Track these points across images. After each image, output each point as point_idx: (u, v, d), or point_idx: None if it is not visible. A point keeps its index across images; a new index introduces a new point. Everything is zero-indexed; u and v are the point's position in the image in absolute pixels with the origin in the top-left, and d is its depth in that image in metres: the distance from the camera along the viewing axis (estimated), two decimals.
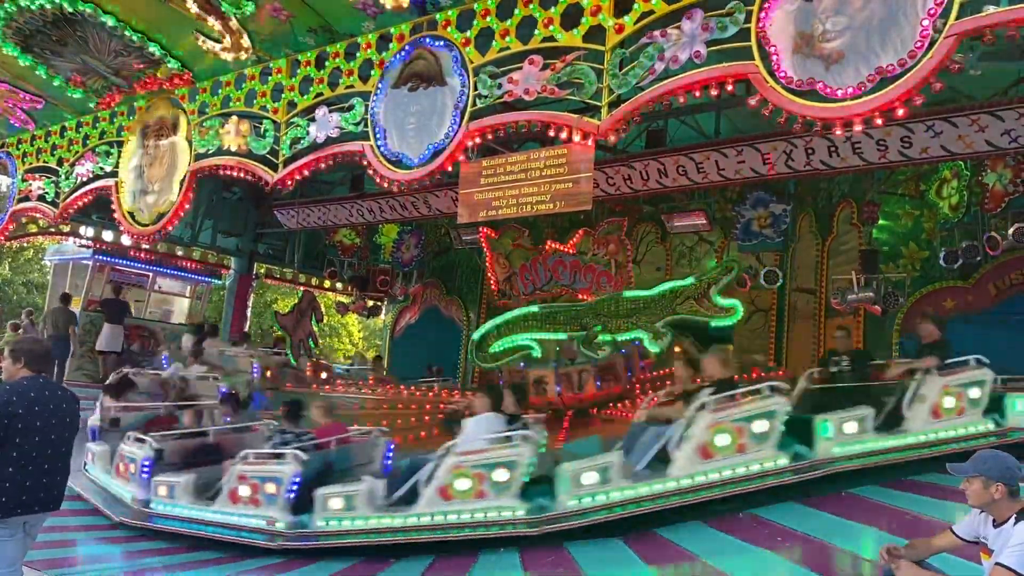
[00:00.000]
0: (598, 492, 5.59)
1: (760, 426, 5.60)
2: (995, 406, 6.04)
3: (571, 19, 6.00)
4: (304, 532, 6.15)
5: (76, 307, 13.19)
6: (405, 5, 6.77)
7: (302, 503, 6.27)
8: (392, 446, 7.31)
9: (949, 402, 5.99)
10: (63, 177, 10.42)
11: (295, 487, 6.25)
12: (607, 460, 5.72)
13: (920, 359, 6.54)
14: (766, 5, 5.06)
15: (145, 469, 7.33)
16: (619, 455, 5.81)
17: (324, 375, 13.70)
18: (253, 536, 6.29)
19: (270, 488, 6.33)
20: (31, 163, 11.08)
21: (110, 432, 8.72)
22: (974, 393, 6.00)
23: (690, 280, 9.96)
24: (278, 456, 6.44)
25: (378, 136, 7.11)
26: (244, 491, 6.47)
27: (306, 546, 6.13)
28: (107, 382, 9.98)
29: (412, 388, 12.33)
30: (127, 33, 8.24)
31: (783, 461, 5.56)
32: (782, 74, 4.95)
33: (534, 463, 5.77)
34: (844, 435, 5.79)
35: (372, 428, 7.50)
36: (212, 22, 7.63)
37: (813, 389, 7.07)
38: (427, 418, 10.42)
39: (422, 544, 5.79)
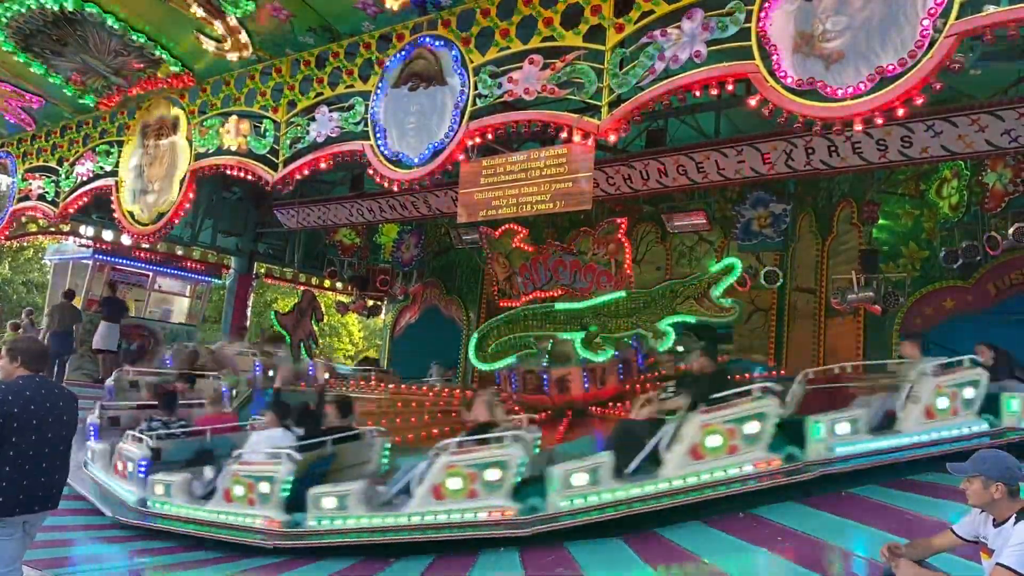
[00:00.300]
0: (336, 517, 5.90)
1: (492, 474, 5.57)
2: (793, 435, 5.60)
3: (571, 19, 6.01)
4: (142, 511, 6.84)
5: (76, 305, 13.18)
6: (404, 5, 6.78)
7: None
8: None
9: (714, 440, 5.52)
10: (63, 177, 10.43)
11: (143, 469, 7.02)
12: (348, 488, 5.97)
13: (673, 398, 6.17)
14: (766, 5, 5.07)
15: (91, 433, 8.40)
16: (360, 484, 5.98)
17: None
18: (116, 508, 7.09)
19: (129, 467, 7.22)
20: (31, 163, 11.09)
21: (128, 394, 9.56)
22: (751, 428, 5.51)
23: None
24: (139, 440, 7.22)
25: (378, 136, 7.11)
26: (120, 466, 7.43)
27: (136, 523, 6.81)
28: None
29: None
30: (127, 33, 8.24)
31: (510, 513, 5.48)
32: (782, 74, 4.95)
33: (289, 480, 6.08)
34: (572, 488, 5.54)
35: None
36: (212, 22, 7.63)
37: (630, 422, 6.48)
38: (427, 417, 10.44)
39: (213, 540, 6.31)
